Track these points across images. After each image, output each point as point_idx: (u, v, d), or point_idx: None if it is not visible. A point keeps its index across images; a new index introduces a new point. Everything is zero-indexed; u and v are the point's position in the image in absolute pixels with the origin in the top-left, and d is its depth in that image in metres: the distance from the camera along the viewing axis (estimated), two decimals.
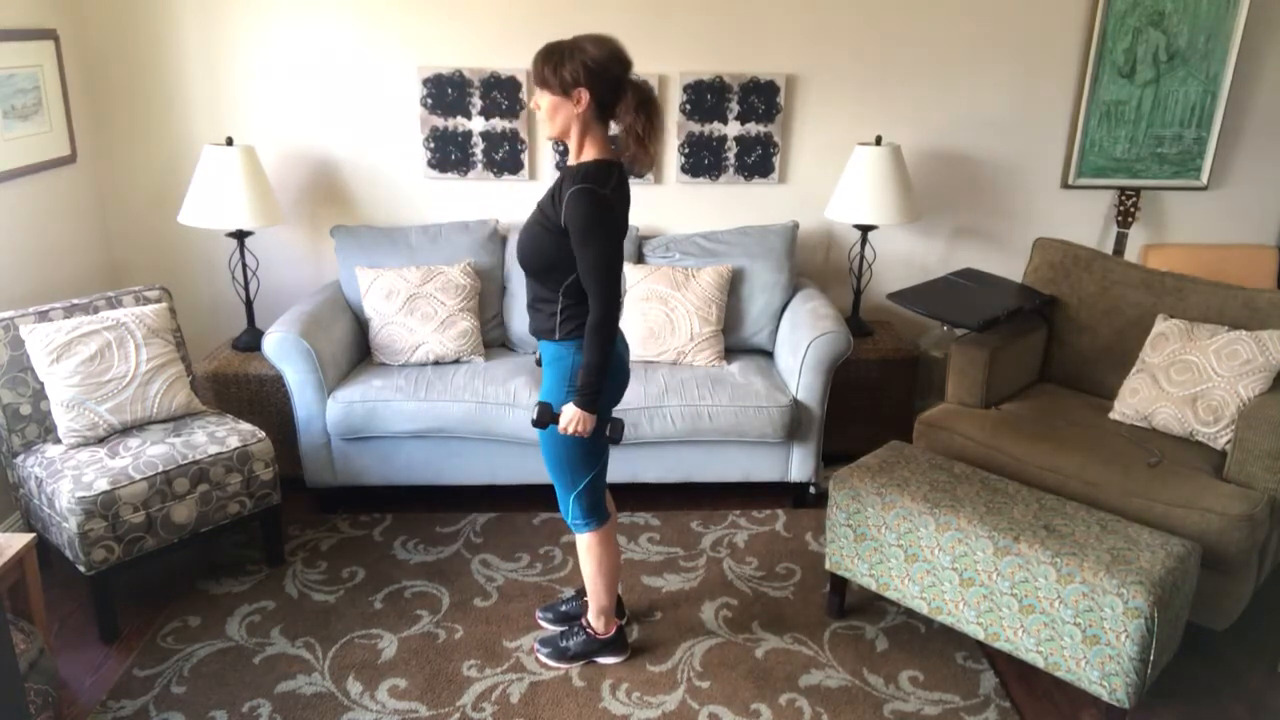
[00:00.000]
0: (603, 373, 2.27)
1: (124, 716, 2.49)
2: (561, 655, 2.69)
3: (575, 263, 2.24)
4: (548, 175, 3.87)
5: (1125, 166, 4.01)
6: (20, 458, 2.89)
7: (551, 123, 2.26)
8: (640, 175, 3.81)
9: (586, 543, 2.55)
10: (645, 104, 2.26)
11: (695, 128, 3.83)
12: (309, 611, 2.91)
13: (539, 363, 2.59)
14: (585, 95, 2.19)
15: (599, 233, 2.19)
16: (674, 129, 3.84)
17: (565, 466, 2.45)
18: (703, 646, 2.79)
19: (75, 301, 3.02)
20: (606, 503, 2.59)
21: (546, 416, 2.36)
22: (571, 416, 2.30)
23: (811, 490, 3.56)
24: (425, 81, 3.70)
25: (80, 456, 2.80)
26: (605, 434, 2.38)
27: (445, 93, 3.72)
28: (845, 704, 2.57)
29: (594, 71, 2.18)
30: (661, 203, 3.94)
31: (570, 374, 2.34)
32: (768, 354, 3.72)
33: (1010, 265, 4.00)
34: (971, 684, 2.66)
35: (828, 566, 2.84)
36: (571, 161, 2.29)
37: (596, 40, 2.20)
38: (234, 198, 3.39)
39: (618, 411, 3.10)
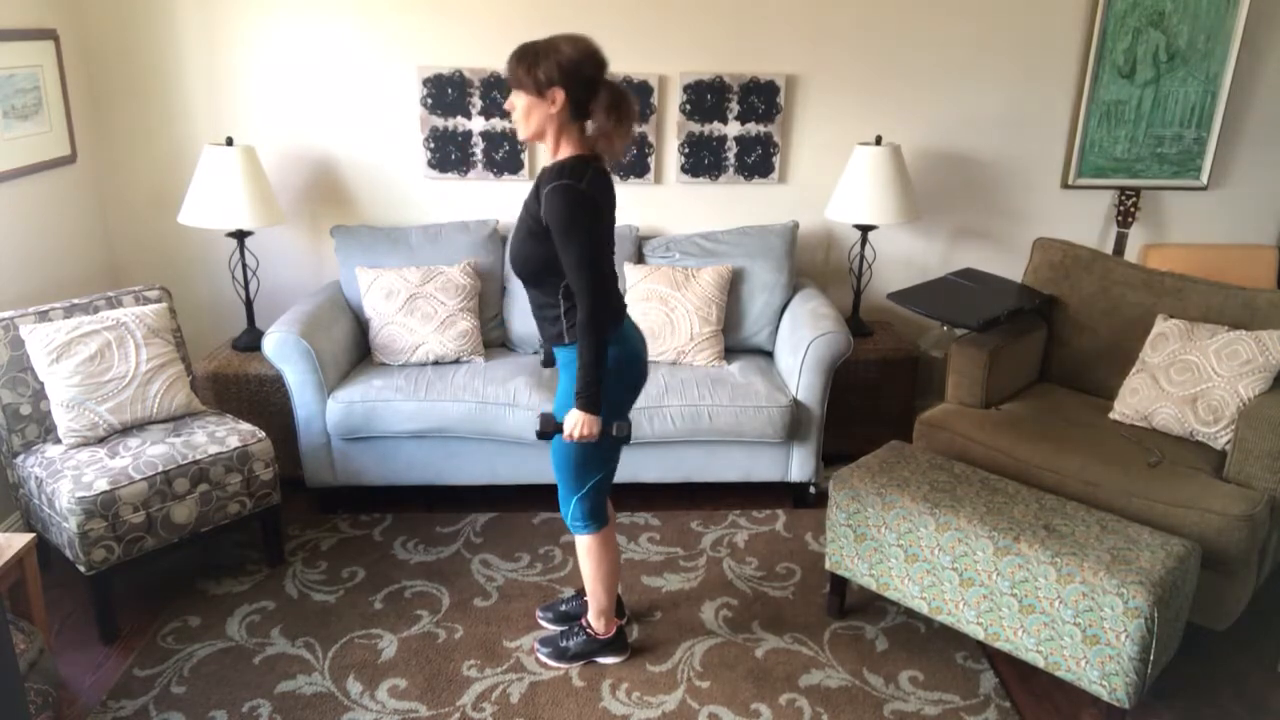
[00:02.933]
0: (599, 370, 2.25)
1: (124, 716, 2.49)
2: (561, 655, 2.69)
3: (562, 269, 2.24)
4: None
5: (1125, 166, 4.01)
6: (20, 458, 2.89)
7: (526, 123, 2.25)
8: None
9: (586, 544, 2.55)
10: (618, 104, 2.24)
11: (695, 128, 3.83)
12: (309, 611, 2.91)
13: (545, 363, 2.58)
14: (560, 95, 2.18)
15: (579, 228, 2.17)
16: (674, 129, 3.84)
17: (572, 469, 2.45)
18: (703, 646, 2.79)
19: (75, 301, 3.02)
20: (607, 506, 2.59)
21: (550, 427, 2.33)
22: (575, 421, 2.28)
23: (811, 490, 3.56)
24: (425, 81, 3.70)
25: (80, 456, 2.80)
26: (612, 434, 2.34)
27: (445, 93, 3.72)
28: (845, 704, 2.57)
29: (569, 71, 2.17)
30: (661, 203, 3.94)
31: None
32: (768, 354, 3.72)
33: (1010, 265, 4.00)
34: (971, 684, 2.66)
35: (828, 566, 2.84)
36: (548, 161, 2.28)
37: (571, 40, 2.20)
38: (234, 198, 3.39)
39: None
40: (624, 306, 2.45)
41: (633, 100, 2.28)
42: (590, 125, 2.27)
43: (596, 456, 2.43)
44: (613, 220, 2.36)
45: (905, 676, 2.68)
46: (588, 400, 2.26)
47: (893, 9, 3.75)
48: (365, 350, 3.62)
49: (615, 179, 3.83)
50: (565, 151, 2.27)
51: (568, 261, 2.20)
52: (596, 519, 2.52)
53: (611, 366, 2.32)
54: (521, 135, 2.29)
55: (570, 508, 2.51)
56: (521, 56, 2.20)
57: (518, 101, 2.24)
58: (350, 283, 3.62)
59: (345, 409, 3.26)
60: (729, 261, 3.67)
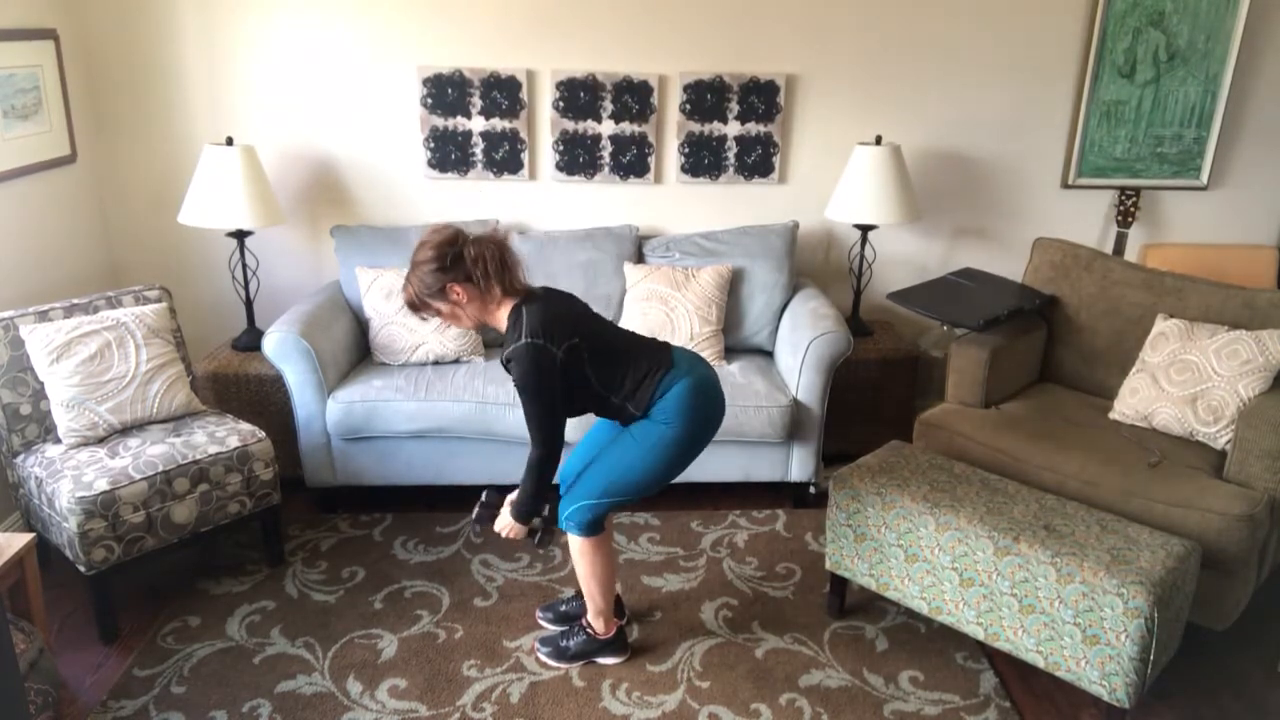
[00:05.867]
0: (535, 503, 2.46)
1: (124, 716, 2.49)
2: (561, 655, 2.69)
3: (590, 377, 2.37)
4: (548, 175, 3.87)
5: (1125, 166, 4.01)
6: (20, 458, 2.89)
7: (464, 322, 2.44)
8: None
9: (580, 546, 2.56)
10: (485, 254, 2.34)
11: (695, 128, 3.83)
12: (309, 611, 2.91)
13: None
14: (454, 287, 2.35)
15: (539, 388, 2.31)
16: (674, 129, 3.84)
17: (608, 477, 2.48)
18: (703, 646, 2.79)
19: (75, 301, 3.02)
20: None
21: (485, 519, 2.55)
22: (505, 523, 2.51)
23: (811, 490, 3.56)
24: (425, 81, 3.70)
25: (80, 456, 2.80)
26: (534, 539, 2.52)
27: (445, 93, 3.72)
28: (845, 704, 2.57)
29: (440, 269, 2.34)
30: (661, 202, 3.94)
31: (656, 441, 2.41)
32: (768, 354, 3.72)
33: (1010, 265, 4.00)
34: (971, 684, 2.66)
35: (828, 566, 2.84)
36: (502, 327, 2.40)
37: (419, 247, 2.38)
38: (234, 198, 3.39)
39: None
40: (663, 351, 2.50)
41: (495, 238, 2.41)
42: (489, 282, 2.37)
43: (649, 485, 2.49)
44: (589, 315, 2.47)
45: (905, 676, 2.68)
46: (520, 514, 2.48)
47: (893, 9, 3.75)
48: (365, 350, 3.62)
49: (616, 179, 3.86)
50: (504, 311, 2.39)
51: (527, 414, 2.35)
52: (594, 529, 2.53)
53: (687, 400, 2.40)
54: (469, 328, 2.50)
55: (574, 509, 2.51)
56: (414, 292, 2.38)
57: (445, 315, 2.41)
58: (350, 283, 3.62)
59: (345, 409, 3.26)
60: (729, 261, 3.67)
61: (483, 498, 2.56)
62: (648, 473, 2.45)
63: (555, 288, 2.53)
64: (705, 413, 2.44)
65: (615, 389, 2.41)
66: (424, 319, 2.53)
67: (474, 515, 2.55)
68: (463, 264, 2.34)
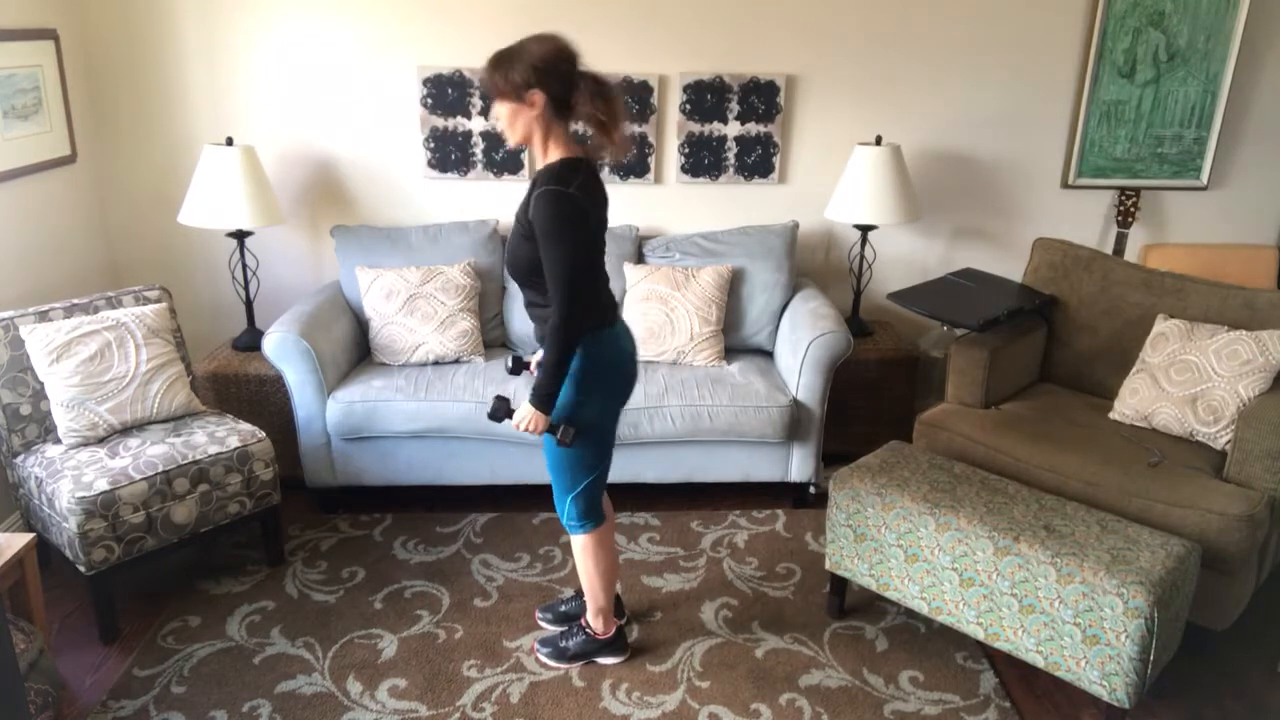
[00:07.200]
0: (560, 372, 2.28)
1: (124, 716, 2.49)
2: (561, 655, 2.69)
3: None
4: None
5: (1125, 166, 4.01)
6: (20, 458, 2.89)
7: (512, 130, 2.26)
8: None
9: (582, 544, 2.55)
10: (600, 92, 2.24)
11: (695, 128, 3.83)
12: (309, 611, 2.91)
13: (513, 371, 2.58)
14: (539, 96, 2.19)
15: (562, 235, 2.18)
16: (674, 129, 3.84)
17: (565, 467, 2.45)
18: (703, 646, 2.79)
19: (75, 301, 3.02)
20: (604, 505, 2.59)
21: (501, 412, 2.36)
22: (525, 415, 2.32)
23: (811, 490, 3.56)
24: (425, 81, 3.70)
25: (80, 456, 2.80)
26: (556, 437, 2.34)
27: (445, 93, 3.72)
28: (845, 704, 2.57)
29: (543, 70, 2.18)
30: (661, 203, 3.94)
31: (578, 373, 2.33)
32: (768, 354, 3.72)
33: (1010, 265, 4.00)
34: (971, 684, 2.66)
35: (828, 566, 2.84)
36: (539, 165, 2.29)
37: (540, 39, 2.21)
38: (234, 198, 3.39)
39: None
40: (614, 305, 2.45)
41: (614, 88, 2.27)
42: (578, 122, 2.27)
43: (588, 456, 2.43)
44: (603, 221, 2.36)
45: (905, 676, 2.68)
46: (542, 399, 2.30)
47: (893, 9, 3.75)
48: (365, 350, 3.62)
49: (616, 179, 3.86)
50: (555, 154, 2.27)
51: (547, 266, 2.21)
52: (591, 517, 2.52)
53: (591, 366, 2.33)
54: (510, 142, 2.30)
55: (565, 506, 2.51)
56: (495, 65, 2.21)
57: (500, 110, 2.26)
58: (350, 283, 3.62)
59: (345, 409, 3.26)
60: (729, 261, 3.67)
61: (497, 395, 2.42)
62: (581, 420, 2.35)
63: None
64: (609, 382, 2.39)
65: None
66: (482, 110, 2.29)
67: (490, 410, 2.37)
68: (568, 86, 2.19)
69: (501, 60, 2.20)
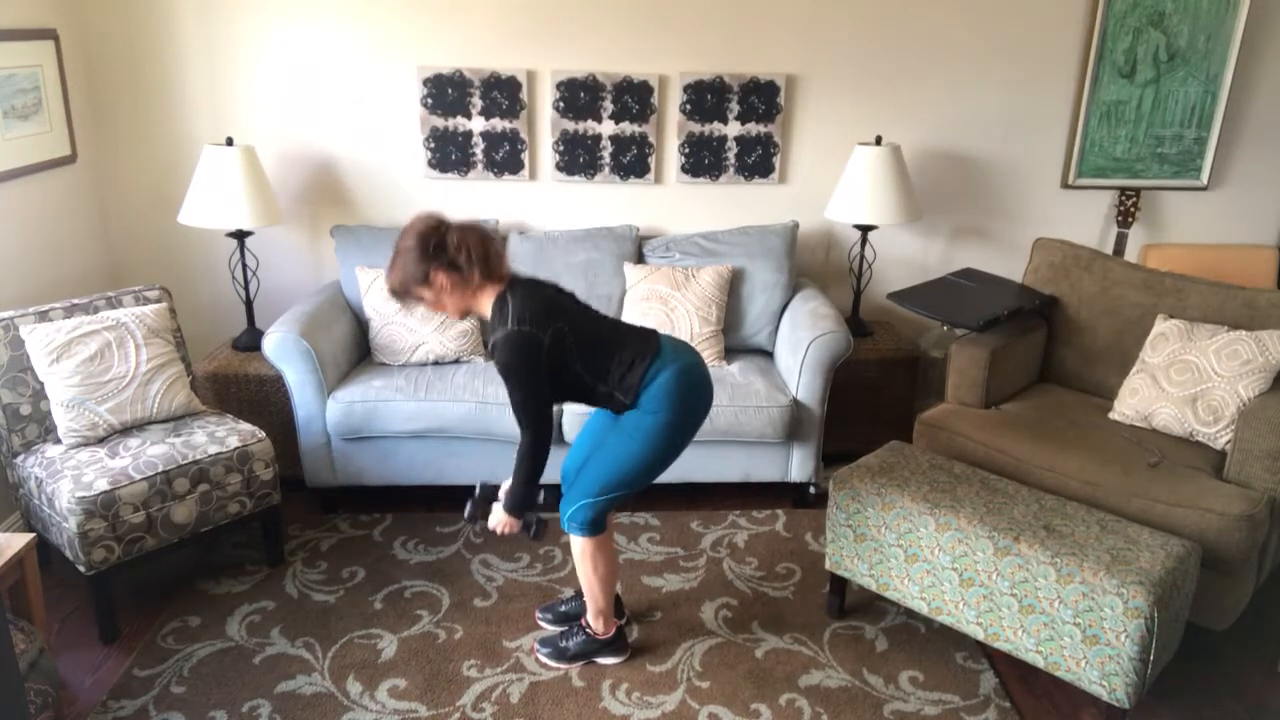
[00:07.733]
0: (527, 492, 2.45)
1: (124, 716, 2.49)
2: (561, 655, 2.69)
3: (576, 364, 2.35)
4: (548, 176, 3.87)
5: (1125, 166, 4.01)
6: (20, 458, 2.89)
7: (451, 312, 2.43)
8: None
9: (582, 547, 2.55)
10: (465, 236, 2.35)
11: (695, 128, 3.83)
12: (309, 611, 2.91)
13: (468, 517, 2.62)
14: (439, 274, 2.33)
15: (520, 374, 2.30)
16: (674, 129, 3.84)
17: (610, 471, 2.47)
18: (703, 646, 2.79)
19: (75, 301, 3.02)
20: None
21: (477, 513, 2.53)
22: (499, 520, 2.50)
23: (811, 490, 3.55)
24: (425, 81, 3.70)
25: (80, 456, 2.80)
26: (529, 531, 2.52)
27: (445, 93, 3.72)
28: (845, 704, 2.57)
29: (422, 255, 2.32)
30: (661, 203, 3.94)
31: (671, 393, 2.39)
32: (768, 354, 3.72)
33: (1010, 265, 4.00)
34: (971, 684, 2.66)
35: (828, 566, 2.84)
36: (486, 314, 2.40)
37: (405, 233, 2.38)
38: (234, 198, 3.39)
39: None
40: (649, 336, 2.49)
41: (477, 225, 2.42)
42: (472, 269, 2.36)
43: (645, 475, 2.48)
44: (573, 299, 2.47)
45: (905, 676, 2.68)
46: (513, 508, 2.48)
47: (893, 9, 3.75)
48: (365, 350, 3.62)
49: (617, 179, 3.86)
50: (488, 296, 2.38)
51: (512, 400, 2.34)
52: (596, 528, 2.52)
53: (677, 385, 2.39)
54: (454, 317, 2.47)
55: (575, 509, 2.51)
56: (396, 278, 2.37)
57: (426, 301, 2.39)
58: (350, 283, 3.62)
59: (345, 409, 3.26)
60: (729, 261, 3.67)
61: (475, 492, 2.55)
62: (640, 463, 2.43)
63: (537, 277, 2.52)
64: (690, 400, 2.43)
65: (603, 376, 2.40)
66: (408, 308, 2.52)
67: (467, 512, 2.54)
68: (445, 251, 2.33)
69: (395, 270, 2.37)
